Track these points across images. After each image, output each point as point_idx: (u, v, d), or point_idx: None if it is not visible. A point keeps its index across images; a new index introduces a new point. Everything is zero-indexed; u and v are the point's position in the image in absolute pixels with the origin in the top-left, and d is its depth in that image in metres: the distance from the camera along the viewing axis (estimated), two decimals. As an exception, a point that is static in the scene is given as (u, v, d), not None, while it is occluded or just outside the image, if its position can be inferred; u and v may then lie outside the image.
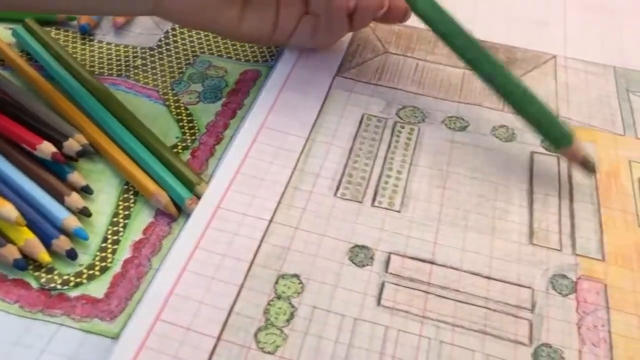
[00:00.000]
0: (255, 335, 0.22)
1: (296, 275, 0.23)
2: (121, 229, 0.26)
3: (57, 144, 0.28)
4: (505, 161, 0.29)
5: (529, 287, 0.24)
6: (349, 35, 0.36)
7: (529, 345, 0.22)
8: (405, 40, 0.36)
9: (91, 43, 0.36)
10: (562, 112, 0.32)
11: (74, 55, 0.35)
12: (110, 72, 0.34)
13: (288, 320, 0.22)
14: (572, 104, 0.33)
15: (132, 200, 0.27)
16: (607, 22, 0.39)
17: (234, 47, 0.36)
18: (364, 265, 0.24)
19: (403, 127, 0.30)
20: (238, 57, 0.36)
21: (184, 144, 0.30)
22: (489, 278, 0.24)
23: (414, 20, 0.37)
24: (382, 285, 0.23)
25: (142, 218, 0.27)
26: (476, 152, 0.29)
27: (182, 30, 0.37)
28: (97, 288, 0.24)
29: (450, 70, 0.34)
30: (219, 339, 0.21)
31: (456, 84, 0.33)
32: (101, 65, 0.35)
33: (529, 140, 0.30)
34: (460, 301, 0.23)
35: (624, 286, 0.24)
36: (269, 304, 0.22)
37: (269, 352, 0.21)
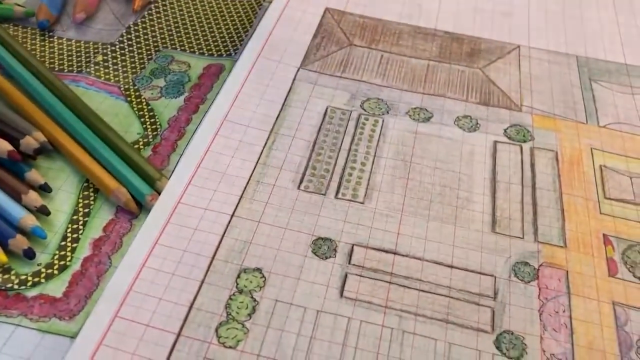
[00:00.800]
0: (217, 330, 0.21)
1: (258, 269, 0.23)
2: (81, 227, 0.26)
3: (14, 141, 0.27)
4: (469, 151, 0.29)
5: (491, 275, 0.24)
6: (313, 28, 0.36)
7: (491, 333, 0.22)
8: (369, 32, 0.36)
9: (50, 39, 0.35)
10: (526, 101, 0.32)
11: (33, 52, 0.34)
12: (70, 68, 0.33)
13: (250, 315, 0.22)
14: (536, 93, 0.33)
15: (92, 198, 0.27)
16: (571, 12, 0.39)
17: (197, 41, 0.36)
18: (327, 258, 0.24)
19: (367, 119, 0.30)
20: (202, 51, 0.35)
21: (145, 140, 0.30)
22: (451, 267, 0.24)
23: (378, 12, 0.37)
24: (345, 277, 0.23)
25: (102, 215, 0.26)
26: (440, 143, 0.29)
27: (144, 24, 0.37)
28: (56, 287, 0.24)
29: (414, 62, 0.34)
30: (179, 335, 0.21)
31: (420, 76, 0.33)
32: (61, 62, 0.34)
33: (493, 129, 0.30)
34: (422, 290, 0.23)
35: (585, 272, 0.24)
36: (230, 299, 0.22)
37: (230, 347, 0.21)
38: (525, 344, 0.22)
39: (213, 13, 0.38)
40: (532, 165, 0.29)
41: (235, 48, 0.35)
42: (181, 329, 0.21)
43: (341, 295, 0.23)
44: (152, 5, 0.38)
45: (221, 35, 0.36)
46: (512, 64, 0.35)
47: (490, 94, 0.33)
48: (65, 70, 0.33)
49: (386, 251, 0.24)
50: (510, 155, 0.29)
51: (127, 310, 0.21)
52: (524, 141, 0.30)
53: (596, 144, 0.30)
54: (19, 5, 0.37)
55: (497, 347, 0.22)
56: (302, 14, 0.37)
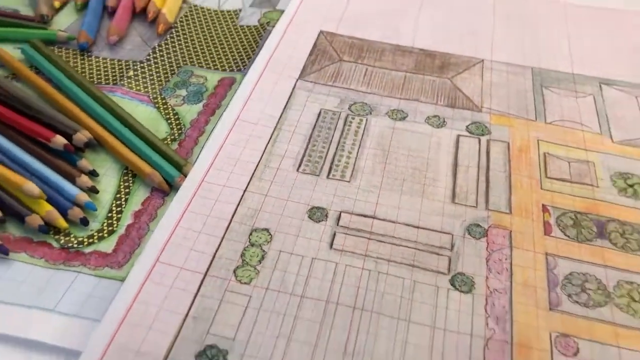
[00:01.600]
0: (234, 271, 0.28)
1: (266, 229, 0.30)
2: (123, 203, 0.32)
3: (67, 137, 0.34)
4: (436, 143, 0.36)
5: (450, 234, 0.30)
6: (309, 47, 0.43)
7: (447, 274, 0.28)
8: (357, 50, 0.43)
9: (89, 58, 0.42)
10: (486, 104, 0.39)
11: (76, 69, 0.41)
12: (107, 81, 0.40)
13: (259, 261, 0.28)
14: (494, 97, 0.39)
15: (131, 181, 0.33)
16: (528, 31, 0.46)
17: (212, 59, 0.43)
18: (319, 221, 0.30)
19: (354, 119, 0.37)
20: (216, 67, 0.42)
21: (172, 137, 0.36)
22: (418, 227, 0.30)
23: (364, 34, 0.44)
24: (334, 235, 0.30)
25: (140, 194, 0.33)
26: (412, 136, 0.36)
27: (167, 45, 0.44)
28: (107, 246, 0.30)
29: (394, 74, 0.41)
30: (205, 274, 0.27)
31: (398, 84, 0.40)
32: (99, 76, 0.41)
33: (457, 126, 0.37)
34: (394, 244, 0.29)
35: (525, 231, 0.31)
36: (244, 250, 0.29)
37: (245, 283, 0.27)
38: (474, 282, 0.28)
39: (225, 36, 0.45)
40: (488, 153, 0.35)
41: (244, 64, 0.42)
42: (207, 270, 0.27)
43: (330, 247, 0.29)
44: (173, 30, 0.45)
45: (232, 54, 0.43)
46: (476, 75, 0.41)
47: (456, 98, 0.39)
48: (103, 83, 0.40)
49: (366, 216, 0.31)
50: (470, 146, 0.36)
51: (166, 256, 0.28)
52: (482, 135, 0.36)
53: (542, 137, 0.37)
54: (61, 31, 0.44)
55: (452, 284, 0.28)
56: (300, 35, 0.44)
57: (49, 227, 0.30)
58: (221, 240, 0.29)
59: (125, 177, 0.34)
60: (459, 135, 0.36)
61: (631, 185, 0.34)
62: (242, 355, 0.25)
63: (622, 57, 0.43)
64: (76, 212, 0.31)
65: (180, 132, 0.37)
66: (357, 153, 0.35)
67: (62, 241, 0.30)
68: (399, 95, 0.39)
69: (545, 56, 0.44)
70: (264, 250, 0.29)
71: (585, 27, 0.46)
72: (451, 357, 0.25)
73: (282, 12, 0.47)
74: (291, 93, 0.38)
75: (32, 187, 0.31)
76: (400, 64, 0.42)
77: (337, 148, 0.35)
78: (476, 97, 0.39)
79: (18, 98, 0.36)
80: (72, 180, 0.32)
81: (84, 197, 0.31)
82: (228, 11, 0.48)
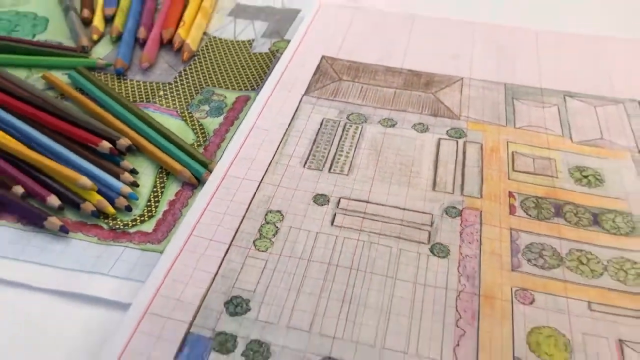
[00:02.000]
0: (254, 242, 0.34)
1: (279, 211, 0.36)
2: (159, 194, 0.39)
3: (112, 142, 0.41)
4: (420, 144, 0.42)
5: (430, 214, 0.36)
6: (313, 69, 0.50)
7: (427, 244, 0.35)
8: (354, 71, 0.50)
9: (125, 81, 0.50)
10: (464, 113, 0.46)
11: (114, 89, 0.48)
12: (141, 99, 0.47)
13: (274, 234, 0.34)
14: (471, 108, 0.46)
15: (165, 178, 0.40)
16: (503, 53, 0.53)
17: (230, 80, 0.50)
18: (322, 205, 0.37)
19: (351, 126, 0.44)
20: (233, 87, 0.49)
21: (198, 143, 0.43)
22: (404, 209, 0.37)
23: (360, 58, 0.51)
24: (334, 215, 0.36)
25: (173, 187, 0.39)
26: (401, 139, 0.43)
27: (191, 70, 0.51)
28: (147, 227, 0.36)
29: (385, 90, 0.48)
30: (230, 244, 0.34)
31: (389, 99, 0.47)
32: (134, 95, 0.48)
33: (438, 131, 0.43)
34: (384, 222, 0.36)
35: (493, 212, 0.37)
36: (261, 226, 0.35)
37: (262, 251, 0.33)
38: (449, 250, 0.34)
39: (240, 61, 0.52)
40: (464, 152, 0.42)
41: (257, 84, 0.49)
42: (231, 241, 0.34)
43: (332, 224, 0.35)
44: (196, 57, 0.53)
45: (247, 76, 0.50)
46: (456, 90, 0.48)
47: (438, 109, 0.46)
48: (138, 101, 0.47)
49: (361, 201, 0.37)
50: (449, 147, 0.42)
51: (197, 231, 0.34)
52: (460, 137, 0.43)
53: (511, 139, 0.43)
54: (100, 59, 0.51)
55: (431, 252, 0.34)
56: (305, 60, 0.51)
57: (99, 213, 0.37)
58: (242, 219, 0.35)
59: (160, 175, 0.40)
60: (439, 139, 0.43)
61: (586, 177, 0.40)
62: (261, 303, 0.31)
63: (584, 74, 0.50)
64: (121, 201, 0.37)
65: (205, 139, 0.44)
66: (354, 153, 0.41)
67: (110, 224, 0.36)
68: (390, 107, 0.46)
69: (517, 74, 0.50)
70: (277, 227, 0.35)
71: (554, 49, 0.53)
72: (429, 305, 0.31)
73: (289, 41, 0.54)
74: (298, 106, 0.45)
75: (85, 180, 0.37)
76: (390, 82, 0.49)
77: (337, 149, 0.41)
78: (455, 108, 0.46)
79: (69, 113, 0.43)
80: (116, 177, 0.39)
81: (127, 189, 0.38)
82: (242, 41, 0.55)
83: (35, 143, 0.41)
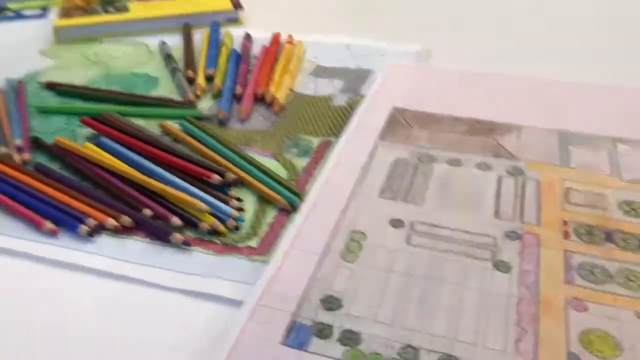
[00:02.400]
0: (341, 255, 0.41)
1: (362, 231, 0.43)
2: (261, 217, 0.46)
3: (220, 176, 0.49)
4: (483, 180, 0.48)
5: (493, 237, 0.42)
6: (385, 117, 0.57)
7: (491, 261, 0.40)
8: (422, 119, 0.57)
9: (227, 129, 0.58)
10: (523, 155, 0.51)
11: (219, 135, 0.57)
12: (241, 143, 0.56)
13: (359, 249, 0.41)
14: (529, 151, 0.52)
15: (264, 205, 0.48)
16: (557, 104, 0.59)
17: (314, 128, 0.58)
18: (398, 227, 0.43)
19: (421, 164, 0.50)
20: (317, 133, 0.57)
21: (290, 178, 0.51)
22: (470, 233, 0.43)
23: (427, 108, 0.59)
24: (409, 236, 0.42)
25: (271, 213, 0.47)
26: (466, 176, 0.49)
27: (282, 120, 0.59)
28: (253, 242, 0.44)
29: (451, 135, 0.55)
30: (323, 255, 0.40)
31: (454, 142, 0.54)
32: (235, 140, 0.56)
33: (499, 171, 0.50)
34: (452, 242, 0.42)
35: (548, 236, 0.42)
36: (348, 243, 0.42)
37: (349, 262, 0.40)
38: (511, 266, 0.40)
39: (322, 112, 0.60)
40: (523, 187, 0.47)
41: (338, 131, 0.57)
42: (323, 253, 0.41)
43: (407, 243, 0.42)
44: (285, 109, 0.61)
45: (328, 124, 0.58)
46: (514, 136, 0.54)
47: (499, 152, 0.52)
48: (238, 144, 0.56)
49: (432, 225, 0.43)
50: (509, 182, 0.48)
51: (295, 244, 0.41)
52: (519, 175, 0.49)
53: (565, 177, 0.49)
54: (204, 112, 0.61)
55: (494, 267, 0.40)
56: (379, 111, 0.59)
57: (213, 232, 0.44)
58: (331, 237, 0.42)
59: (261, 203, 0.48)
60: (500, 176, 0.49)
61: (634, 209, 0.45)
62: (351, 302, 0.37)
63: (631, 121, 0.55)
64: (231, 222, 0.45)
65: (295, 175, 0.51)
66: (424, 186, 0.48)
67: (222, 240, 0.44)
68: (455, 150, 0.53)
69: (569, 122, 0.56)
70: (360, 243, 0.42)
71: (601, 100, 0.59)
72: (494, 308, 0.37)
73: (363, 96, 0.62)
74: (374, 148, 0.53)
75: (202, 205, 0.45)
76: (456, 129, 0.56)
77: (409, 182, 0.48)
78: (515, 151, 0.52)
79: (183, 152, 0.52)
80: (225, 203, 0.47)
81: (235, 213, 0.46)
82: (323, 96, 0.64)
83: (158, 176, 0.50)
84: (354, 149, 0.53)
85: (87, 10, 0.82)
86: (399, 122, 0.57)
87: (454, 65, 0.67)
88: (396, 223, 0.44)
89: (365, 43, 0.74)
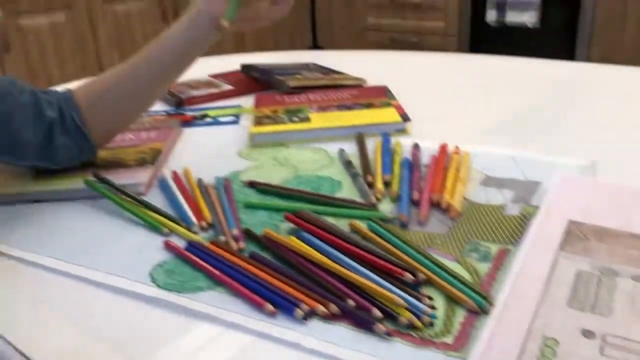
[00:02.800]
0: (537, 357, 0.44)
1: (554, 338, 0.46)
2: (452, 316, 0.51)
3: (412, 275, 0.54)
4: (671, 298, 0.50)
5: None
6: (562, 231, 0.60)
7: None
8: (598, 234, 0.60)
9: (408, 231, 0.65)
10: None
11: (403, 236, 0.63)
12: (423, 245, 0.62)
13: (553, 356, 0.44)
14: None
15: (453, 305, 0.52)
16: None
17: (491, 236, 0.62)
18: (590, 338, 0.46)
19: (604, 277, 0.53)
20: (494, 240, 0.61)
21: (473, 282, 0.55)
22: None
23: (600, 222, 0.61)
24: (602, 347, 0.45)
25: (461, 313, 0.51)
26: (652, 293, 0.51)
27: (458, 228, 0.64)
28: (448, 339, 0.48)
29: (631, 252, 0.57)
30: (518, 357, 0.44)
31: (637, 259, 0.55)
32: (417, 242, 0.62)
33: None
34: None
35: None
36: (542, 348, 0.45)
37: (547, 357, 0.43)
38: None
39: (495, 221, 0.65)
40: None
41: (514, 239, 0.61)
42: (518, 355, 0.44)
43: (601, 354, 0.44)
44: (461, 216, 0.67)
45: (504, 232, 0.63)
46: None
47: (684, 271, 0.53)
48: (420, 246, 0.61)
49: (626, 339, 0.45)
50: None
51: (491, 343, 0.45)
52: None
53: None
54: (388, 214, 0.68)
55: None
56: (554, 223, 0.62)
57: (409, 326, 0.50)
58: (524, 341, 0.46)
59: (449, 302, 0.53)
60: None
61: None
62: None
63: None
64: (426, 319, 0.50)
65: (478, 278, 0.56)
66: (610, 299, 0.50)
67: (420, 334, 0.49)
68: (638, 266, 0.54)
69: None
70: (554, 350, 0.45)
71: None
72: None
73: (536, 207, 0.66)
74: (554, 259, 0.56)
75: (400, 300, 0.51)
76: (635, 245, 0.58)
77: (594, 295, 0.51)
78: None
79: (375, 250, 0.58)
80: (418, 300, 0.52)
81: (429, 311, 0.51)
82: (495, 205, 0.68)
83: (354, 270, 0.56)
84: (535, 258, 0.56)
85: (275, 120, 0.95)
86: (576, 235, 0.60)
87: (618, 179, 0.69)
88: (587, 333, 0.46)
89: (531, 155, 0.79)
